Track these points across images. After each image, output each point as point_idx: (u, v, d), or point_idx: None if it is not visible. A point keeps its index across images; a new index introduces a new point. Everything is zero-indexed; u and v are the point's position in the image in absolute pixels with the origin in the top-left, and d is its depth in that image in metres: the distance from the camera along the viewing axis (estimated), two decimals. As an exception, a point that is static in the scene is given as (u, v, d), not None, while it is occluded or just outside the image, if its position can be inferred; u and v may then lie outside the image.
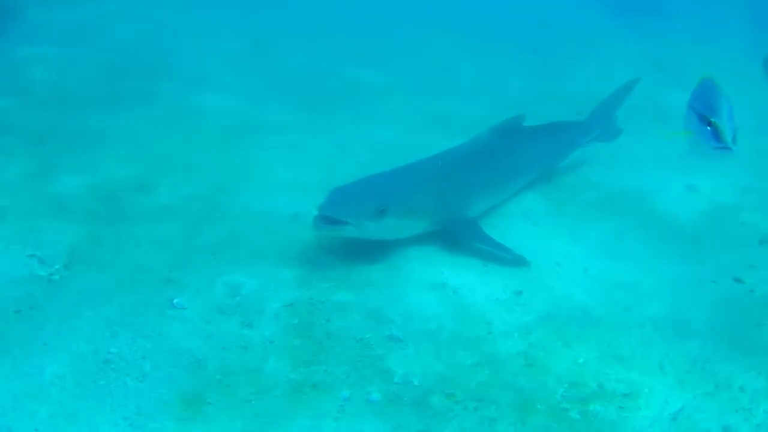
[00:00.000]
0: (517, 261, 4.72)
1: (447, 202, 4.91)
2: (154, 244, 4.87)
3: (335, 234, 4.63)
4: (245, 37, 10.92)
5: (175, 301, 4.22)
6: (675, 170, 6.35)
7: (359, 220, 4.49)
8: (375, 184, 4.86)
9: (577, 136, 6.21)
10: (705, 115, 3.80)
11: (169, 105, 7.80)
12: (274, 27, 11.92)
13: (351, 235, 4.60)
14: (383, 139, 7.03)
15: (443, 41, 11.92)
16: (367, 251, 4.77)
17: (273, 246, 4.87)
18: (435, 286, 4.46)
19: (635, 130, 7.30)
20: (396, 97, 8.60)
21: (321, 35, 11.61)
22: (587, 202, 5.80)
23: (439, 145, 5.62)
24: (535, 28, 13.12)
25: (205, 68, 9.23)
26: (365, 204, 4.53)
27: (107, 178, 5.80)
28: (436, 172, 5.07)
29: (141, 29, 11.08)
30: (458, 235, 4.87)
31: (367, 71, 9.67)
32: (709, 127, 3.77)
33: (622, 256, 4.98)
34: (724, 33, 12.95)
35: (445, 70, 10.15)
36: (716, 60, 10.58)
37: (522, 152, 5.65)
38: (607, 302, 4.42)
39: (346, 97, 8.48)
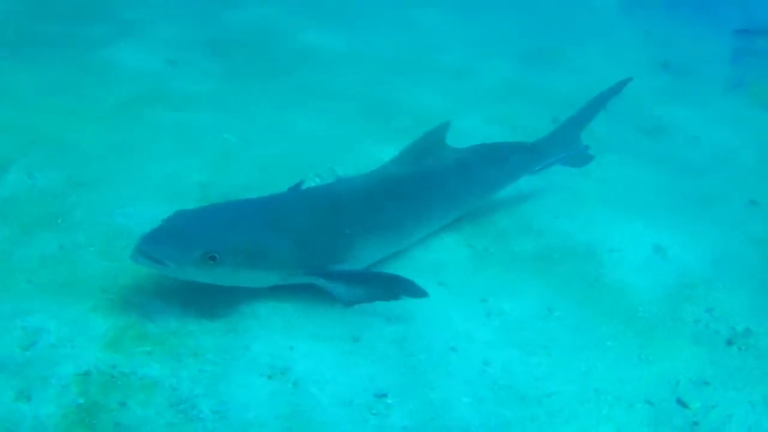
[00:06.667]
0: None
1: (314, 251, 3.78)
2: (-29, 252, 3.90)
3: (156, 271, 3.60)
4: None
5: (-51, 349, 3.25)
6: (646, 218, 5.09)
7: (180, 265, 3.47)
8: (217, 218, 3.75)
9: (523, 165, 4.95)
10: None
11: (79, 56, 6.74)
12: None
13: (176, 276, 3.59)
14: (305, 131, 5.87)
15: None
16: (211, 298, 3.73)
17: (101, 276, 3.87)
18: (274, 371, 3.35)
19: (617, 146, 6.17)
20: (346, 72, 7.38)
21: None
22: (519, 254, 4.56)
23: (367, 146, 4.70)
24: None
25: (143, 10, 8.04)
26: (191, 246, 3.47)
27: (-39, 149, 4.79)
28: (304, 209, 3.93)
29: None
30: (333, 294, 3.74)
31: (323, 34, 8.35)
32: None
33: (541, 346, 3.81)
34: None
35: (416, 40, 8.80)
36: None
37: (443, 186, 4.44)
38: (495, 426, 3.30)
39: (289, 67, 7.27)
